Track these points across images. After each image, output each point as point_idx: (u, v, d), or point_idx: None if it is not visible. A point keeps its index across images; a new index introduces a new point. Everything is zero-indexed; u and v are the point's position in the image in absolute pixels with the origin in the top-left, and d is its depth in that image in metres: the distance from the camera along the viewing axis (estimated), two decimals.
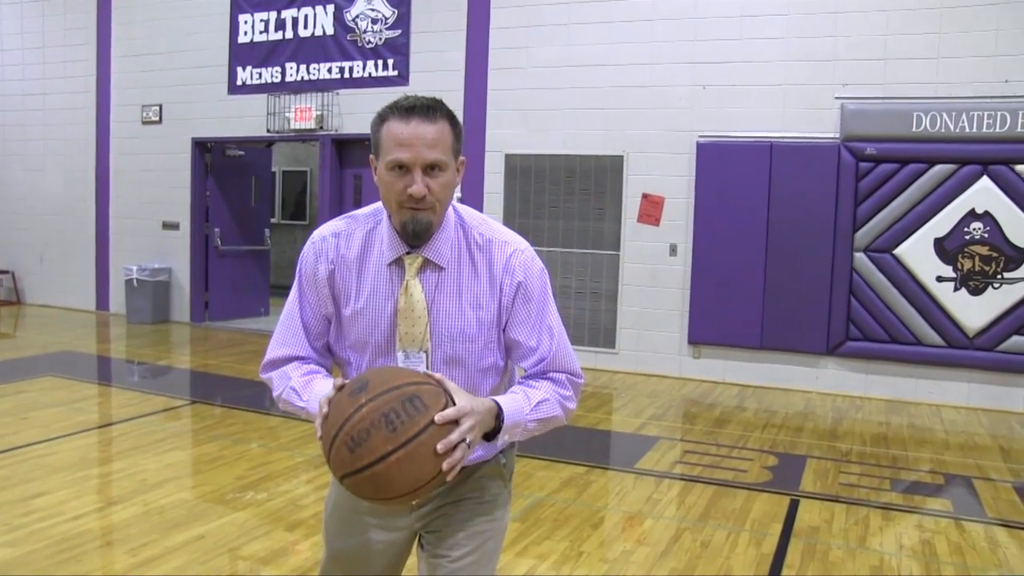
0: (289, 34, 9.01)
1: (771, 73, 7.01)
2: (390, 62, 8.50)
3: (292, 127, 9.00)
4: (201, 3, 9.49)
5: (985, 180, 6.37)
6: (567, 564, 3.38)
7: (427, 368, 1.65)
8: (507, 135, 7.99)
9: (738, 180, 7.02)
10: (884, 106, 6.63)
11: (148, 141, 9.88)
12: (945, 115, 6.42)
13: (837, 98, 6.79)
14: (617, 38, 7.52)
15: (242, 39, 9.27)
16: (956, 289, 6.50)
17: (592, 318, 7.72)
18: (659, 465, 4.83)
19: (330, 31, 8.79)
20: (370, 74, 8.60)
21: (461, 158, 1.65)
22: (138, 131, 9.95)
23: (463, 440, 1.43)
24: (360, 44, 8.65)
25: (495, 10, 8.01)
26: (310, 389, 1.65)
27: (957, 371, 6.58)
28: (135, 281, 9.51)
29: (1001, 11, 6.35)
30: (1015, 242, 6.32)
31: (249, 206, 10.19)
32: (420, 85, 8.13)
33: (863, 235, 6.74)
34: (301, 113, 8.91)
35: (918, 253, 6.59)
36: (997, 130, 6.29)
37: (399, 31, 8.45)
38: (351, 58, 8.69)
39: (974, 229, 6.42)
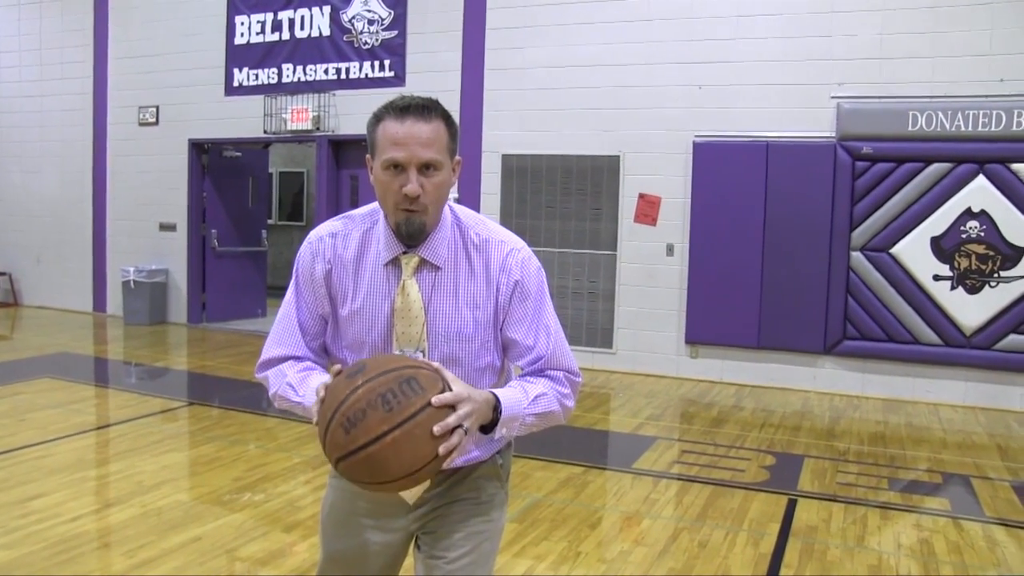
0: (286, 35, 9.00)
1: (767, 73, 7.02)
2: (386, 63, 8.50)
3: (289, 128, 8.99)
4: (198, 5, 9.48)
5: (981, 179, 6.39)
6: (565, 564, 3.38)
7: None
8: (503, 135, 8.00)
9: (734, 180, 7.03)
10: (880, 105, 6.64)
11: (145, 142, 9.87)
12: (941, 114, 6.43)
13: (833, 97, 6.80)
14: (613, 38, 7.53)
15: (239, 40, 9.26)
16: (953, 288, 6.51)
17: (589, 318, 7.72)
18: (657, 465, 4.83)
19: (326, 32, 8.79)
20: (366, 75, 8.60)
21: (457, 158, 1.65)
22: (135, 132, 9.94)
23: (460, 425, 1.43)
24: (356, 45, 8.65)
25: (491, 11, 8.01)
26: (306, 384, 1.65)
27: (954, 370, 6.59)
28: (132, 282, 9.49)
29: (996, 10, 6.36)
30: (1011, 241, 6.33)
31: (246, 207, 10.18)
32: (416, 86, 8.12)
33: (860, 234, 6.75)
34: (298, 114, 8.90)
35: (915, 252, 6.60)
36: (993, 129, 6.30)
37: (395, 32, 8.45)
38: (347, 59, 8.69)
39: (970, 228, 6.43)
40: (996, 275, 6.39)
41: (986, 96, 6.36)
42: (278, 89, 9.05)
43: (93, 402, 6.05)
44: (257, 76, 9.17)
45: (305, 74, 8.92)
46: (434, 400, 1.41)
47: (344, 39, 8.71)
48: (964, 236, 6.45)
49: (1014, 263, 6.34)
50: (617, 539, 3.71)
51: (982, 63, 6.40)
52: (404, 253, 1.65)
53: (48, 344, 8.18)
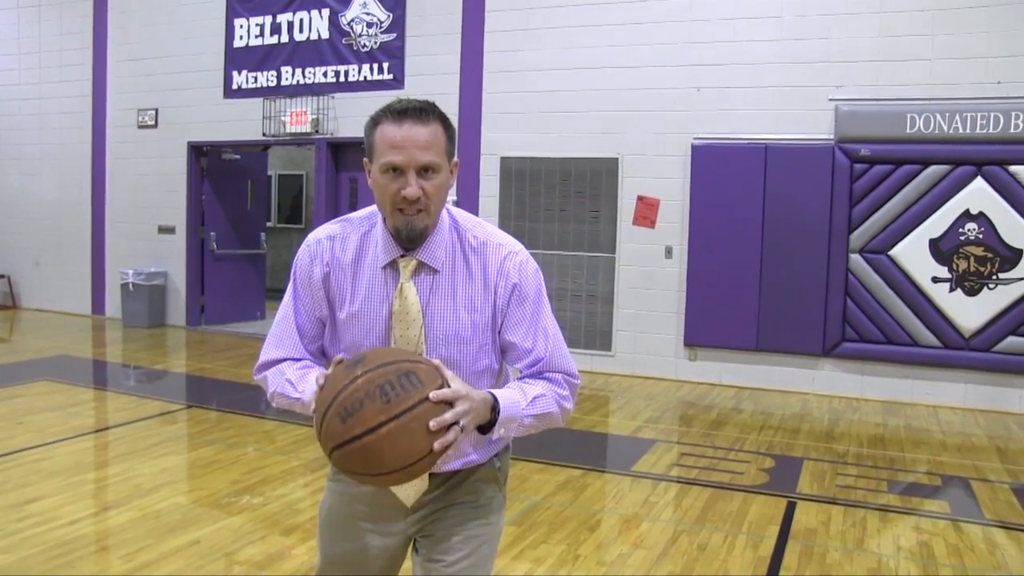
0: (284, 38, 9.01)
1: (765, 75, 7.02)
2: (385, 66, 8.51)
3: (288, 131, 8.99)
4: (197, 8, 9.49)
5: (979, 181, 6.39)
6: (564, 567, 3.38)
7: None
8: (502, 138, 8.00)
9: (733, 182, 7.03)
10: (878, 107, 6.65)
11: (144, 145, 9.87)
12: (939, 116, 6.44)
13: (831, 100, 6.81)
14: (611, 41, 7.53)
15: (238, 43, 9.26)
16: (952, 290, 6.51)
17: (588, 321, 7.72)
18: (656, 468, 4.83)
19: (325, 35, 8.79)
20: (365, 78, 8.60)
21: (454, 160, 1.65)
22: (134, 135, 9.94)
23: (456, 422, 1.43)
24: (355, 48, 8.66)
25: (490, 13, 8.02)
26: (306, 380, 1.65)
27: (953, 372, 6.59)
28: (131, 285, 9.49)
29: (993, 13, 6.37)
30: (1010, 242, 6.34)
31: (245, 210, 10.18)
32: (415, 88, 8.13)
33: (858, 236, 6.76)
34: (297, 117, 8.91)
35: (913, 254, 6.60)
36: (990, 131, 6.31)
37: (394, 35, 8.45)
38: (346, 62, 8.70)
39: (969, 230, 6.43)
40: (995, 277, 6.40)
41: (984, 98, 6.37)
42: (277, 92, 9.05)
43: (92, 405, 6.04)
44: (256, 79, 9.17)
45: (304, 77, 8.92)
46: (432, 395, 1.41)
47: (343, 42, 8.71)
48: (962, 238, 6.46)
49: (1013, 265, 6.34)
50: (616, 542, 3.71)
51: (979, 65, 6.41)
52: (402, 256, 1.65)
53: (47, 347, 8.17)
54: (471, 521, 1.74)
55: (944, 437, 5.71)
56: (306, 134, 8.92)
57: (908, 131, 6.52)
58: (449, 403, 1.43)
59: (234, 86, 9.31)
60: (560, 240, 7.79)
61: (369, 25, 8.56)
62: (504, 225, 7.68)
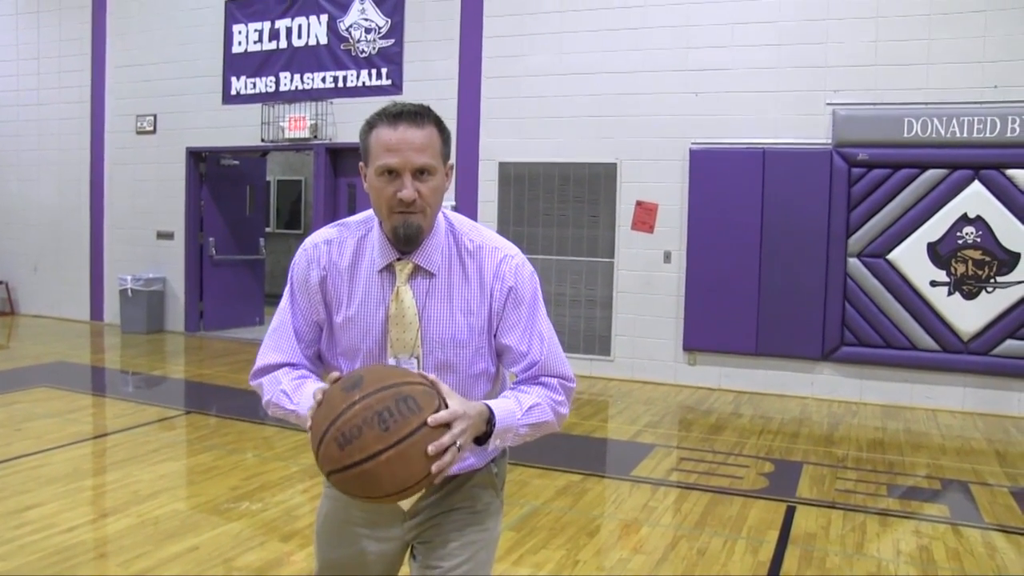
0: (283, 44, 9.02)
1: (763, 80, 7.04)
2: (383, 71, 8.52)
3: (286, 136, 9.00)
4: (195, 14, 9.51)
5: (976, 185, 6.40)
6: (563, 572, 3.37)
7: None
8: (500, 143, 8.01)
9: (731, 187, 7.04)
10: (875, 112, 6.66)
11: (142, 151, 9.88)
12: (936, 120, 6.45)
13: (828, 104, 6.82)
14: (609, 46, 7.55)
15: (236, 49, 9.28)
16: (950, 293, 6.52)
17: (587, 325, 7.72)
18: (655, 472, 4.82)
19: (324, 41, 8.81)
20: (364, 83, 8.62)
21: (449, 163, 1.65)
22: (132, 141, 9.94)
23: (454, 443, 1.43)
24: (354, 53, 8.67)
25: (488, 19, 8.03)
26: (301, 392, 1.64)
27: (952, 375, 6.59)
28: (129, 291, 9.49)
29: (990, 18, 6.39)
30: (1007, 246, 6.34)
31: (244, 215, 10.18)
32: (414, 94, 8.13)
33: (856, 240, 6.76)
34: (295, 122, 8.91)
35: (911, 258, 6.60)
36: (987, 135, 6.32)
37: (392, 40, 8.47)
38: (345, 67, 8.71)
39: (967, 233, 6.44)
40: (993, 280, 6.40)
41: (980, 102, 6.38)
42: (275, 97, 9.06)
43: (90, 411, 6.03)
44: (255, 84, 9.18)
45: (302, 82, 8.93)
46: (430, 420, 1.41)
47: (341, 47, 8.73)
48: (960, 242, 6.46)
49: (1010, 268, 6.35)
50: (616, 547, 3.70)
51: (976, 70, 6.43)
52: (398, 259, 1.66)
53: (45, 353, 8.16)
54: (469, 527, 1.73)
55: (943, 441, 5.71)
56: (305, 139, 8.93)
57: (905, 135, 6.54)
58: (447, 425, 1.43)
59: (233, 92, 9.32)
60: (559, 245, 7.80)
61: (367, 31, 8.58)
62: (503, 230, 7.69)
